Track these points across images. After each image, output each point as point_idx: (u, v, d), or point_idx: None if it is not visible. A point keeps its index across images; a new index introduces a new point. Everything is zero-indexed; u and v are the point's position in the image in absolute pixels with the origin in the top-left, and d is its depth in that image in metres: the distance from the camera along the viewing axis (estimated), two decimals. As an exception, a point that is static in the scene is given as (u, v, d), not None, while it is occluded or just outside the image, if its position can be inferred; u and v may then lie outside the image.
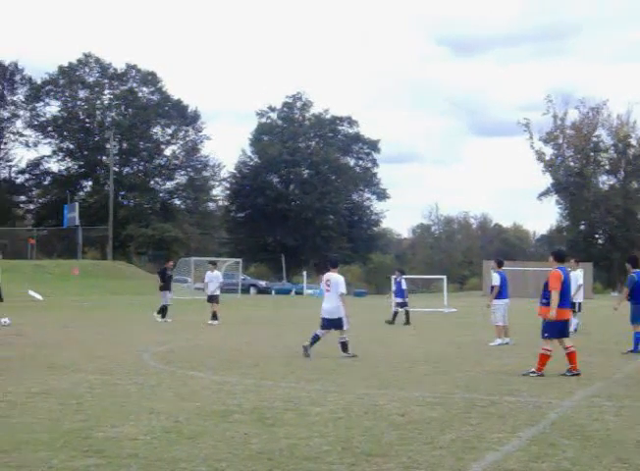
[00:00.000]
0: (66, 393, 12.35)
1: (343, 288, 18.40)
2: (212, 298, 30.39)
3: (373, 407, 11.28)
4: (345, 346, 18.30)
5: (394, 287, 31.82)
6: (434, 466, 7.91)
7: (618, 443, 9.05)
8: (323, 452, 8.42)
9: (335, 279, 18.54)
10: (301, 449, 8.54)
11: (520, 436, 9.37)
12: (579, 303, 25.94)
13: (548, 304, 15.01)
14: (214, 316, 29.74)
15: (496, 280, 21.78)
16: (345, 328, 18.27)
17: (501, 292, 21.74)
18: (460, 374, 15.24)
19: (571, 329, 24.48)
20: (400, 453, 8.39)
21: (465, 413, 10.84)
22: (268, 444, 8.76)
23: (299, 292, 76.26)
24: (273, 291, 79.98)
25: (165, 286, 32.18)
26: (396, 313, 30.72)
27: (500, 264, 22.57)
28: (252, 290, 78.52)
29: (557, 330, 15.12)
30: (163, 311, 31.49)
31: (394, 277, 32.15)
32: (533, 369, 15.08)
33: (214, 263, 33.32)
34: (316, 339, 18.28)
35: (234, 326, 29.72)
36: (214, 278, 30.83)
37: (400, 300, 30.90)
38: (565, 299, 15.17)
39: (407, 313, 30.49)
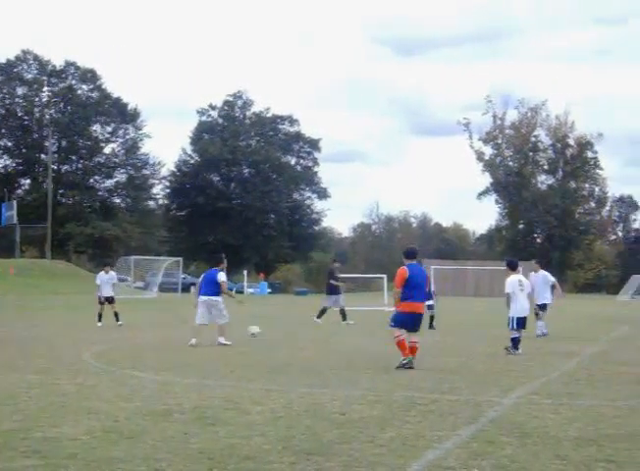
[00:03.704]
0: (3, 394, 12.19)
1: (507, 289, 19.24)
2: (109, 299, 28.42)
3: (314, 406, 11.28)
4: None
5: None
6: (374, 464, 7.92)
7: (556, 440, 9.13)
8: (263, 451, 8.40)
9: (525, 280, 19.60)
10: (242, 449, 8.51)
11: (460, 433, 9.42)
12: (544, 304, 24.82)
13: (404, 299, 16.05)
14: (116, 316, 28.03)
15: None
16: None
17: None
18: (401, 372, 15.29)
19: (539, 332, 24.48)
20: (341, 452, 8.40)
21: (405, 411, 10.87)
22: (208, 444, 8.72)
23: (240, 291, 76.11)
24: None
25: (333, 288, 31.38)
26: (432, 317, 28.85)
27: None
28: (193, 289, 78.26)
29: (406, 321, 16.06)
30: (322, 312, 31.10)
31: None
32: (402, 358, 15.91)
33: (108, 264, 31.15)
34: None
35: (174, 325, 29.57)
36: (110, 279, 28.90)
37: (431, 302, 29.34)
38: (416, 294, 16.11)
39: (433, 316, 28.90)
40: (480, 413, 10.83)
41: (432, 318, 28.53)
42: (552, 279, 25.44)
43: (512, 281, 19.21)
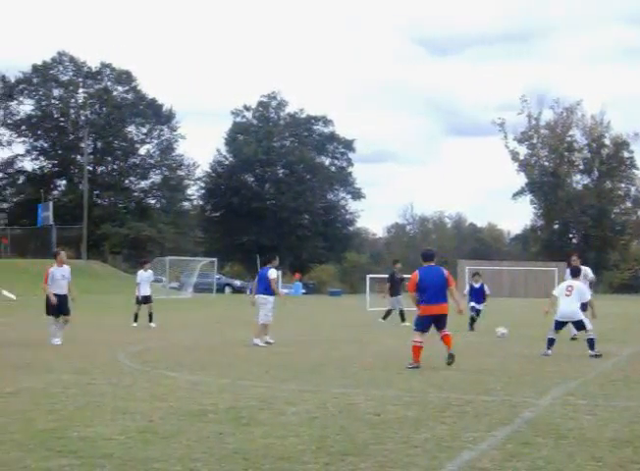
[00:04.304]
0: (40, 393, 12.29)
1: (588, 296, 19.86)
2: (146, 299, 28.29)
3: (348, 406, 11.27)
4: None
5: (467, 289, 29.07)
6: (409, 465, 7.91)
7: (592, 441, 9.07)
8: (298, 452, 8.40)
9: (577, 285, 19.34)
10: (276, 449, 8.52)
11: (495, 434, 9.38)
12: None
13: (419, 302, 16.65)
14: (150, 317, 28.04)
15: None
16: (588, 328, 19.00)
17: None
18: (435, 373, 15.26)
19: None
20: (376, 453, 8.39)
21: (440, 412, 10.84)
22: (243, 444, 8.74)
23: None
24: (248, 291, 79.99)
25: (395, 290, 31.70)
26: (473, 319, 27.98)
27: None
28: (227, 290, 78.43)
29: (424, 324, 16.48)
30: (401, 316, 31.10)
31: (472, 282, 29.25)
32: (411, 361, 16.21)
33: (147, 262, 30.89)
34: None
35: (209, 325, 29.63)
36: (149, 277, 29.10)
37: (481, 307, 28.33)
38: (430, 296, 16.29)
39: (474, 319, 28.04)
40: (515, 414, 10.78)
41: (474, 320, 27.91)
42: (591, 275, 24.87)
43: (561, 286, 19.55)
